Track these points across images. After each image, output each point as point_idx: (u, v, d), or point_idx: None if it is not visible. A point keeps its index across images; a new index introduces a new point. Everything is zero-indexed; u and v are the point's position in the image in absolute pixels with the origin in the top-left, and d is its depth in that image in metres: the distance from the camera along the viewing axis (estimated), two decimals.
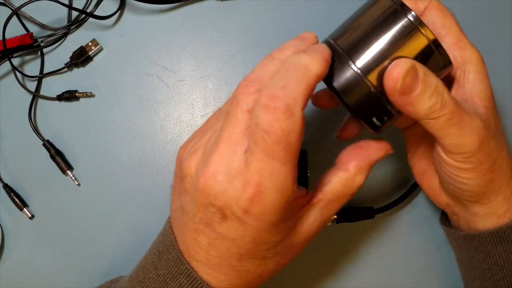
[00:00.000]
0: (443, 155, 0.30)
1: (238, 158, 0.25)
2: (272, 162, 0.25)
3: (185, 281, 0.28)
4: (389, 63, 0.27)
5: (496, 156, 0.30)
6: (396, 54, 0.27)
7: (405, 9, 0.27)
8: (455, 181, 0.31)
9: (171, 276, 0.29)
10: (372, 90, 0.27)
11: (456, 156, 0.29)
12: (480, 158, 0.29)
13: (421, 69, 0.26)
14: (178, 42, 0.44)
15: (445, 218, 0.37)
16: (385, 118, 0.28)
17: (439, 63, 0.28)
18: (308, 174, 0.39)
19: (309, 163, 0.40)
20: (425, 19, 0.31)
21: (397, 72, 0.26)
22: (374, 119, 0.28)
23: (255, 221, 0.25)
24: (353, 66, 0.27)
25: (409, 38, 0.27)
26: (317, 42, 0.29)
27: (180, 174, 0.29)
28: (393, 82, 0.26)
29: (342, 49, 0.27)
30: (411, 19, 0.27)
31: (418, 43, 0.27)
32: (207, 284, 0.28)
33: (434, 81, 0.27)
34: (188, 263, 0.28)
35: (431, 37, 0.27)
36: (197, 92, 0.43)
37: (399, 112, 0.28)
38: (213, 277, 0.28)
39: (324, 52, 0.27)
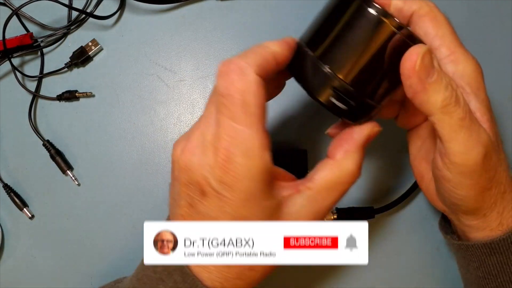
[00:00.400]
0: (444, 171, 0.29)
1: (211, 131, 0.26)
2: (234, 125, 0.25)
3: (179, 278, 0.28)
4: (351, 52, 0.26)
5: (494, 172, 0.29)
6: (363, 45, 0.26)
7: (368, 2, 0.26)
8: (451, 197, 0.30)
9: (166, 273, 0.29)
10: (330, 75, 0.27)
11: (457, 169, 0.28)
12: (481, 173, 0.28)
13: (435, 59, 0.26)
14: (178, 42, 0.44)
15: (443, 221, 0.37)
16: (351, 102, 0.27)
17: None
18: None
19: (309, 163, 0.40)
20: (416, 28, 0.30)
21: (416, 51, 0.25)
22: (342, 106, 0.28)
23: (231, 191, 0.25)
24: (319, 63, 0.27)
25: (373, 29, 0.26)
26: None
27: (171, 166, 0.29)
28: (412, 62, 0.25)
29: (305, 43, 0.28)
30: (373, 12, 0.26)
31: (384, 33, 0.26)
32: (199, 280, 0.28)
33: (447, 76, 0.26)
34: None
35: (397, 25, 0.26)
36: (197, 92, 0.43)
37: (375, 100, 0.28)
38: (203, 268, 0.28)
39: (287, 38, 0.28)
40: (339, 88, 0.27)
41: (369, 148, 0.43)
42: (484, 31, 0.43)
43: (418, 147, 0.35)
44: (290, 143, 0.42)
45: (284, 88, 0.43)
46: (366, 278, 0.42)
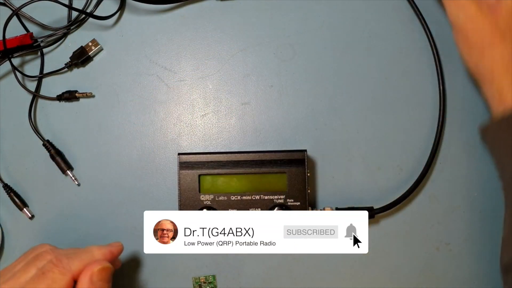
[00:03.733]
0: (452, 25, 0.36)
1: None
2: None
3: None
4: None
5: (489, 39, 0.33)
6: None
7: None
8: (459, 51, 0.36)
9: None
10: None
11: (453, 26, 0.35)
12: (467, 33, 0.35)
13: None
14: (178, 42, 0.44)
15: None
16: None
17: None
18: (308, 174, 0.39)
19: (308, 163, 0.40)
20: None
21: None
22: None
23: None
24: None
25: None
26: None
27: None
28: None
29: None
30: None
31: None
32: None
33: None
34: None
35: None
36: (197, 92, 0.43)
37: None
38: None
39: (114, 244, 0.36)
40: None
41: (369, 147, 0.43)
42: None
43: None
44: (290, 143, 0.42)
45: (283, 89, 0.43)
46: (366, 278, 0.42)
